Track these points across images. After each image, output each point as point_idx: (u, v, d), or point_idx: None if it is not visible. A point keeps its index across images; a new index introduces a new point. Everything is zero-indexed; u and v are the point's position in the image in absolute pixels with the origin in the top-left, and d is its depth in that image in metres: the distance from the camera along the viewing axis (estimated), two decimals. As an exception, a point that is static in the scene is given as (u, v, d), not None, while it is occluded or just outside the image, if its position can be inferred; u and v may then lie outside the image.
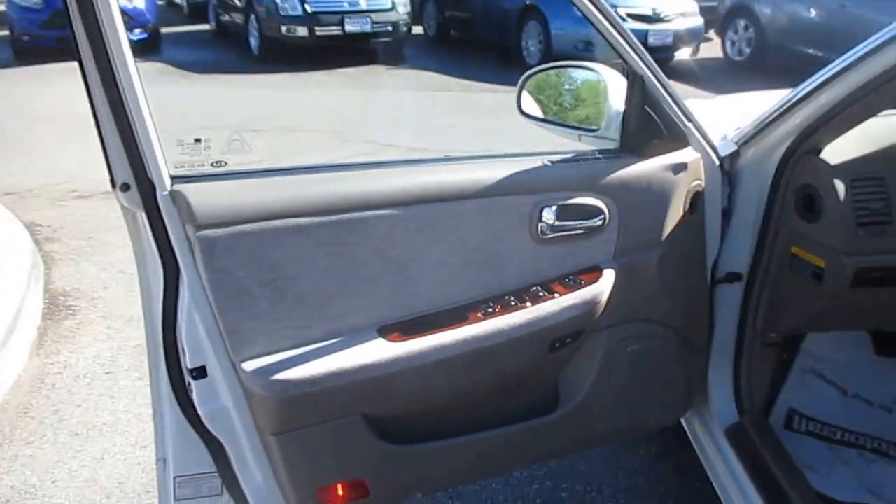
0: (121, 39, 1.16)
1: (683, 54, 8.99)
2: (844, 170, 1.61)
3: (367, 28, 9.61)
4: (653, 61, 1.51)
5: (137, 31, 9.47)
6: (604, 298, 1.54)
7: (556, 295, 1.50)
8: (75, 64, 1.16)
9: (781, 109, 1.59)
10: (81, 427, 2.56)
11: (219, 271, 1.27)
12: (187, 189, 1.25)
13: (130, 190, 1.25)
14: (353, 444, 1.44)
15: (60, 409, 2.65)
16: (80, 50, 1.16)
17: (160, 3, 12.47)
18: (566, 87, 1.79)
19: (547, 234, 1.50)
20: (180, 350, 1.34)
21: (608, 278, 1.55)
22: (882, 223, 1.61)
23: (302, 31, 9.44)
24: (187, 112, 5.50)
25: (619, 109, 1.58)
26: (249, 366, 1.30)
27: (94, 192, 4.74)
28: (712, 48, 9.86)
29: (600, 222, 1.53)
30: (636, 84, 1.53)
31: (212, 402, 1.35)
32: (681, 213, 1.62)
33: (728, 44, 9.42)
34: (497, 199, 1.45)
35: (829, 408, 2.07)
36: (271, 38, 9.59)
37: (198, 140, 1.32)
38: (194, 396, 1.35)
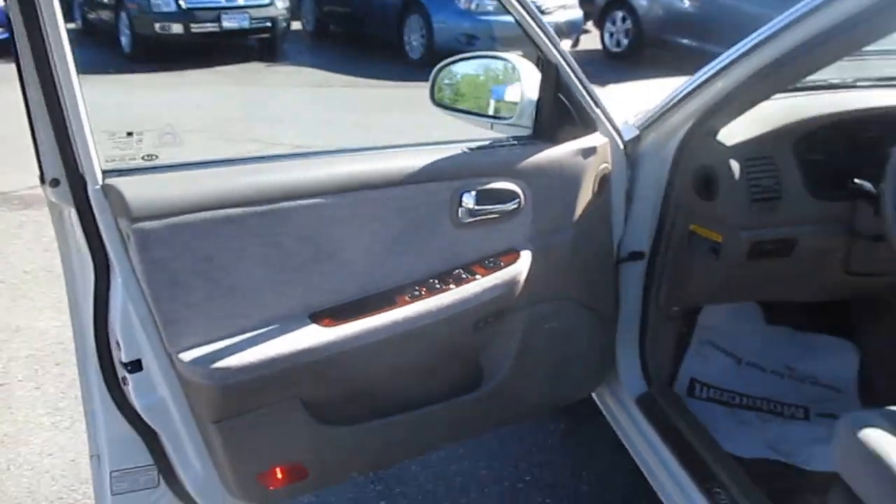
0: (60, 32, 1.16)
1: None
2: (739, 151, 1.73)
3: (245, 24, 9.40)
4: (566, 50, 1.58)
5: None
6: (522, 279, 1.60)
7: (478, 277, 1.56)
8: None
9: (680, 95, 1.69)
10: (-18, 441, 2.44)
11: (153, 263, 1.26)
12: (120, 183, 1.24)
13: (60, 185, 1.24)
14: (291, 428, 1.48)
15: (-42, 425, 2.51)
16: (16, 44, 1.15)
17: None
18: (480, 77, 1.84)
19: (467, 219, 1.55)
20: (113, 345, 1.34)
21: (525, 259, 1.61)
22: (773, 199, 1.74)
23: (177, 29, 9.12)
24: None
25: (532, 98, 1.65)
26: (187, 356, 1.31)
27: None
28: (591, 40, 10.15)
29: (516, 206, 1.59)
30: (550, 73, 1.60)
31: (149, 394, 1.37)
32: (590, 195, 1.69)
33: (606, 35, 9.71)
34: (419, 187, 1.49)
35: (727, 375, 2.21)
36: (144, 36, 9.23)
37: (129, 133, 1.32)
38: (130, 390, 1.35)
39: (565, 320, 1.78)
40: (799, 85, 1.91)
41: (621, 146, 1.74)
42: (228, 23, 9.29)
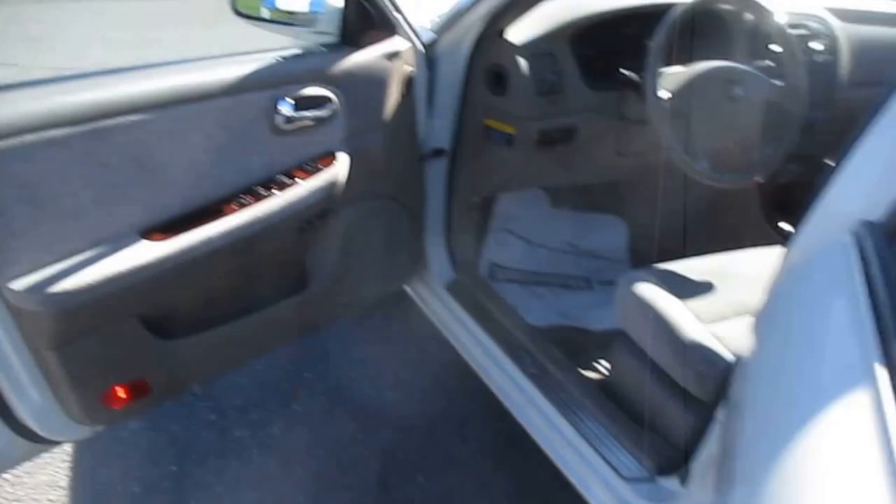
0: None
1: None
2: (525, 49, 1.91)
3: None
4: None
5: None
6: (340, 180, 1.69)
7: (300, 181, 1.62)
8: None
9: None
10: None
11: None
12: None
13: None
14: (130, 346, 1.48)
15: None
16: None
17: None
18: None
19: (284, 126, 1.59)
20: None
21: (342, 161, 1.69)
22: (556, 91, 1.94)
23: None
24: None
25: (336, 4, 1.70)
26: (17, 285, 1.26)
27: None
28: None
29: (330, 111, 1.65)
30: None
31: None
32: (397, 97, 1.80)
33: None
34: (237, 97, 1.51)
35: (521, 257, 2.46)
36: None
37: None
38: None
39: (381, 218, 1.89)
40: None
41: (421, 49, 1.84)
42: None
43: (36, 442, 1.50)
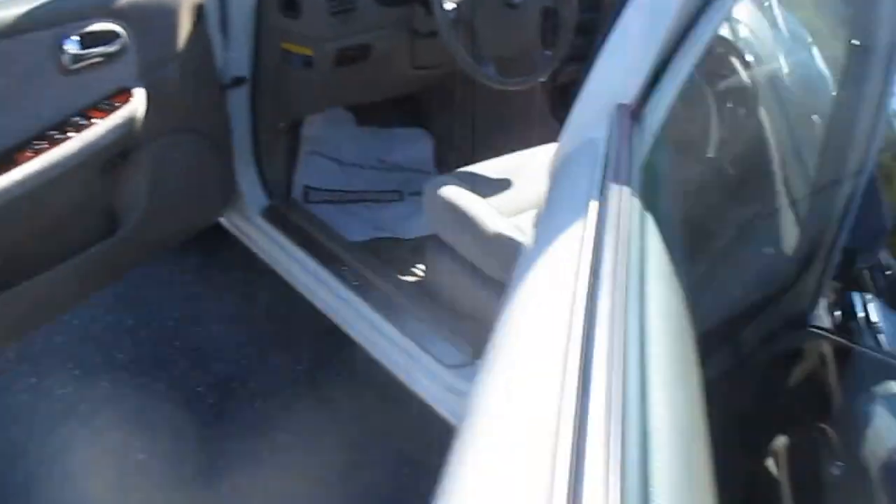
0: None
1: None
2: None
3: None
4: None
5: None
6: (138, 116, 1.66)
7: (96, 121, 1.58)
8: None
9: None
10: None
11: None
12: None
13: None
14: None
15: None
16: None
17: None
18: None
19: (73, 66, 1.53)
20: None
21: (138, 97, 1.66)
22: (348, 10, 1.97)
23: None
24: None
25: None
26: None
27: None
28: None
29: (119, 46, 1.61)
30: None
31: None
32: (189, 27, 1.76)
33: None
34: (18, 39, 1.44)
35: (333, 178, 2.51)
36: None
37: None
38: None
39: (186, 151, 1.87)
40: None
41: None
42: None
43: None
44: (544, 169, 1.22)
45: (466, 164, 1.89)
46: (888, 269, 1.63)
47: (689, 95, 1.13)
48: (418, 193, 2.48)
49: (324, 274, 2.02)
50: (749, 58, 1.51)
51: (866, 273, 1.62)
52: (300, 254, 2.07)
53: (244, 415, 2.09)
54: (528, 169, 1.86)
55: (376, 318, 1.87)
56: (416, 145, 2.66)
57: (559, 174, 1.10)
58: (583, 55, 1.79)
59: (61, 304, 1.82)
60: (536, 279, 0.81)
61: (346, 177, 2.54)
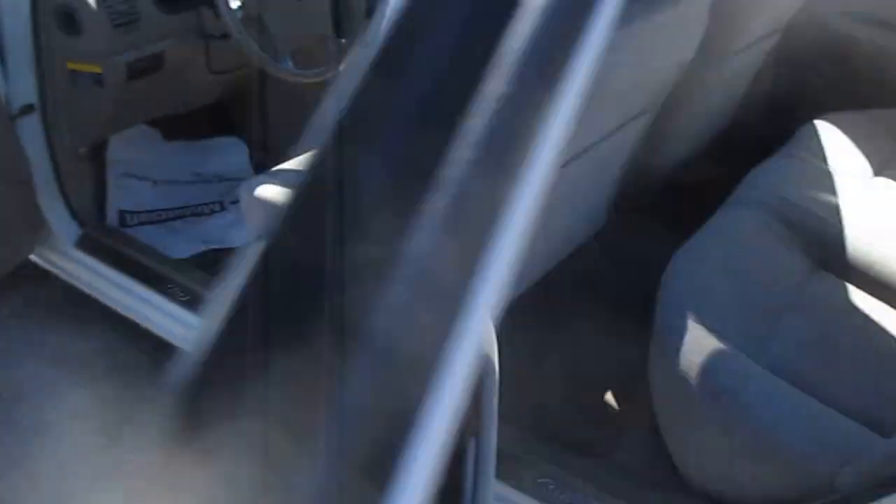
0: None
1: None
2: None
3: None
4: None
5: None
6: None
7: None
8: None
9: None
10: None
11: None
12: None
13: None
14: None
15: None
16: None
17: None
18: None
19: None
20: None
21: None
22: (132, 21, 1.92)
23: None
24: None
25: None
26: None
27: None
28: None
29: None
30: None
31: None
32: None
33: None
34: None
35: (149, 198, 2.43)
36: None
37: None
38: None
39: None
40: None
41: None
42: None
43: None
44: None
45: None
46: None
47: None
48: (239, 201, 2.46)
49: (150, 294, 1.96)
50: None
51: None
52: (122, 279, 1.99)
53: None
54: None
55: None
56: (231, 153, 2.62)
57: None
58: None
59: None
60: None
61: (163, 195, 2.46)
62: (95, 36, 1.88)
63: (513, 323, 1.98)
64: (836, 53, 2.68)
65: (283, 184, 1.78)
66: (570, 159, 1.62)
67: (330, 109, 0.57)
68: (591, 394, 1.93)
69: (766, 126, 2.84)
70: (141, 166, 2.48)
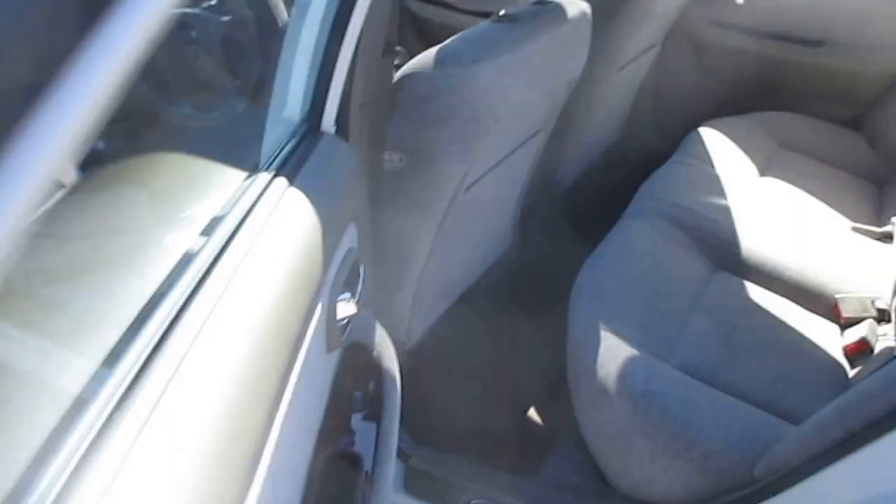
0: None
1: None
2: None
3: None
4: None
5: None
6: None
7: None
8: None
9: None
10: None
11: None
12: None
13: None
14: None
15: None
16: None
17: None
18: None
19: None
20: None
21: None
22: None
23: None
24: None
25: None
26: None
27: None
28: None
29: None
30: None
31: None
32: None
33: None
34: None
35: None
36: None
37: None
38: None
39: None
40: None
41: None
42: None
43: None
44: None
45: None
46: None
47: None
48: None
49: None
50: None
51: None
52: None
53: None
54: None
55: None
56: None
57: None
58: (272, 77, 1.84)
59: None
60: None
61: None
62: None
63: (434, 346, 2.00)
64: (710, 62, 2.84)
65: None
66: (473, 182, 1.65)
67: None
68: (515, 411, 1.96)
69: (654, 136, 2.97)
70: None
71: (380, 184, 1.49)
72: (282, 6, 2.36)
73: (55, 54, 0.53)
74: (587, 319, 1.60)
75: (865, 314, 1.72)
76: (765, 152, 2.43)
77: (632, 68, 2.46)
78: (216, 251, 0.83)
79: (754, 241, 1.91)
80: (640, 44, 2.36)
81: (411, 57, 1.45)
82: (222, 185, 0.97)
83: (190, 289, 0.77)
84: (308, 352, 0.90)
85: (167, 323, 0.73)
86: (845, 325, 1.72)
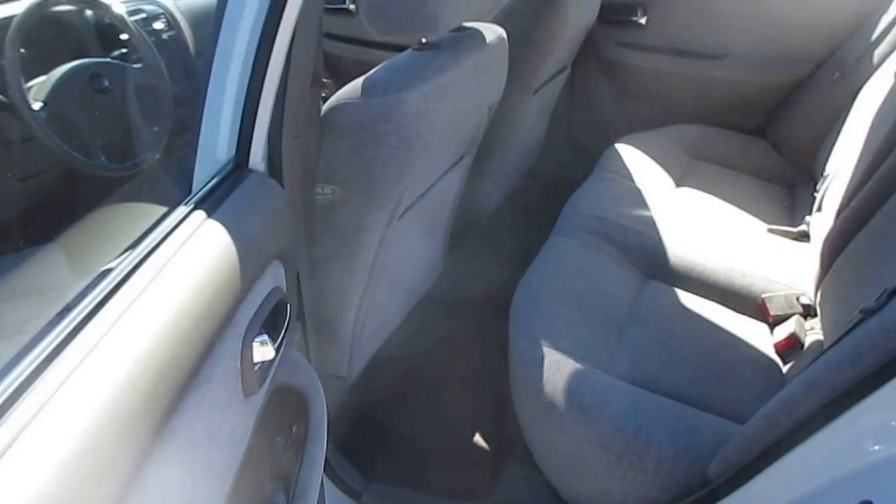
0: None
1: None
2: None
3: None
4: None
5: None
6: None
7: None
8: None
9: None
10: None
11: None
12: None
13: None
14: None
15: None
16: None
17: None
18: None
19: None
20: None
21: None
22: None
23: None
24: None
25: None
26: None
27: None
28: None
29: None
30: None
31: None
32: None
33: None
34: None
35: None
36: None
37: None
38: None
39: None
40: None
41: None
42: None
43: None
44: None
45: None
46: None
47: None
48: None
49: None
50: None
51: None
52: None
53: None
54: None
55: None
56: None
57: None
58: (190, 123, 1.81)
59: None
60: None
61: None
62: None
63: (376, 379, 1.99)
64: (619, 81, 2.93)
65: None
66: (404, 211, 1.66)
67: None
68: (464, 435, 1.96)
69: (572, 155, 3.04)
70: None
71: (314, 219, 1.48)
72: (192, 45, 2.34)
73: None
74: (527, 337, 1.61)
75: (792, 311, 1.78)
76: (679, 164, 2.51)
77: (546, 90, 2.52)
78: (119, 277, 0.81)
79: (680, 249, 1.96)
80: (551, 67, 2.42)
81: (337, 89, 1.45)
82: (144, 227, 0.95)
83: (89, 308, 0.76)
84: (210, 397, 0.85)
85: (61, 338, 0.71)
86: (774, 323, 1.78)
